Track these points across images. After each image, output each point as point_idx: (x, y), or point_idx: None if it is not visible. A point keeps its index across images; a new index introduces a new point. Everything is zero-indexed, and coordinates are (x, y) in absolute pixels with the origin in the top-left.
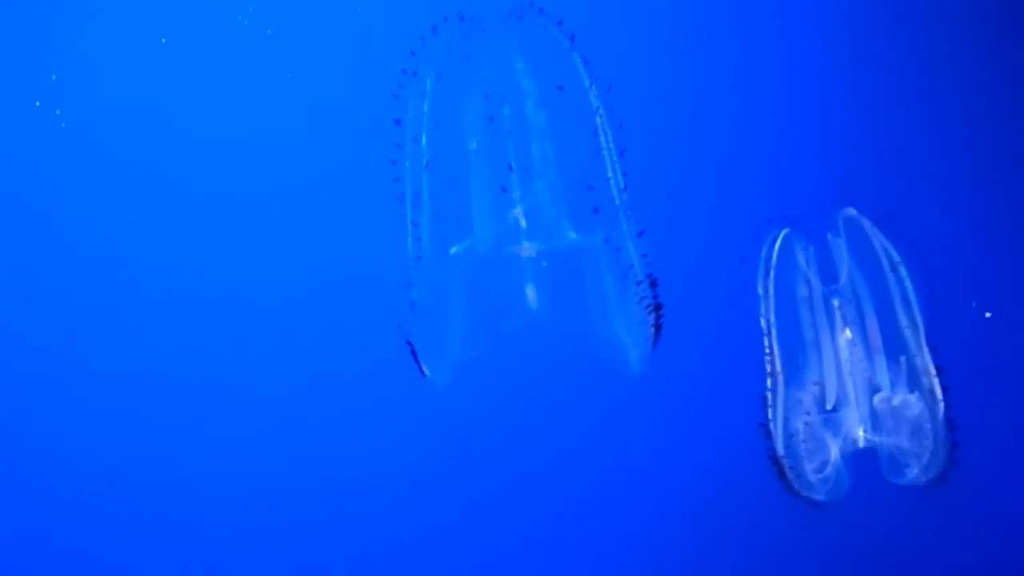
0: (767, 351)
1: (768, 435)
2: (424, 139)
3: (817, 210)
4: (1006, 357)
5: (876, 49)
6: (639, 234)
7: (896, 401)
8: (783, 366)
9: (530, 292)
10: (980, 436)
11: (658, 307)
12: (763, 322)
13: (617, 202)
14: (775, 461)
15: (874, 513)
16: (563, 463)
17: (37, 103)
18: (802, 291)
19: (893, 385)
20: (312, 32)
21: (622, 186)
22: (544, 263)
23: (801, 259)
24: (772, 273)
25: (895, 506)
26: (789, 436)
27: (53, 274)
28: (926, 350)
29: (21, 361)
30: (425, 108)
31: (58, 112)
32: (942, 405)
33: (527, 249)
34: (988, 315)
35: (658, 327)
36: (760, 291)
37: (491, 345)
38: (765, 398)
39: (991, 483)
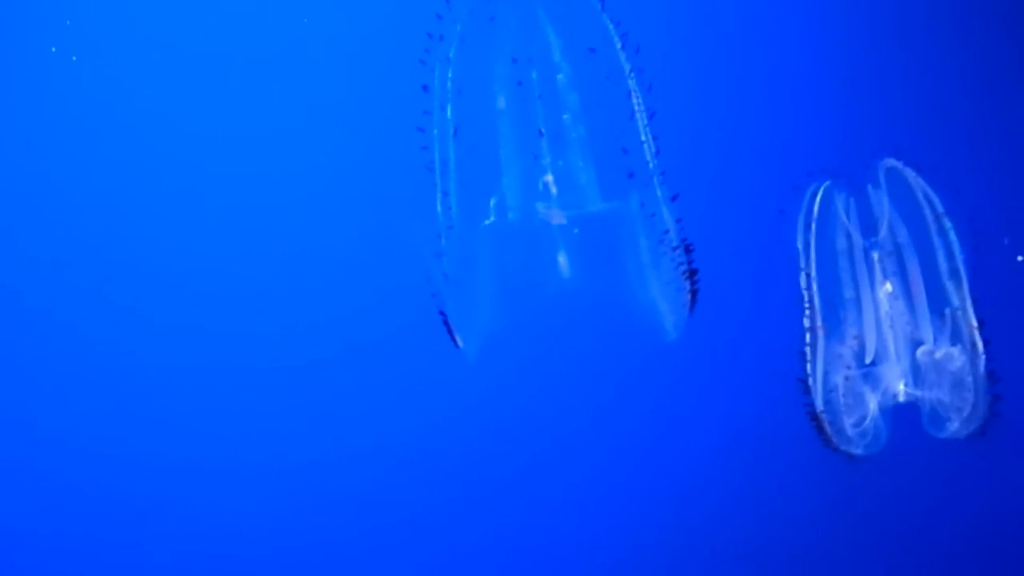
0: (806, 306)
1: (807, 390)
2: (450, 106)
3: (858, 161)
4: None
5: None
6: (673, 198)
7: (939, 354)
8: (823, 320)
9: (562, 260)
10: (1022, 389)
11: (693, 272)
12: (803, 277)
13: (651, 166)
14: (814, 416)
15: (913, 466)
16: (599, 430)
17: (53, 49)
18: (842, 244)
19: (936, 338)
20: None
21: (655, 150)
22: (576, 230)
23: (841, 211)
24: (813, 226)
25: (935, 459)
26: (828, 391)
27: (71, 239)
28: (969, 303)
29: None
30: (450, 74)
31: (75, 58)
32: (984, 358)
33: (558, 216)
34: (1021, 259)
35: (694, 292)
36: (800, 245)
37: (524, 314)
38: (804, 353)
39: None
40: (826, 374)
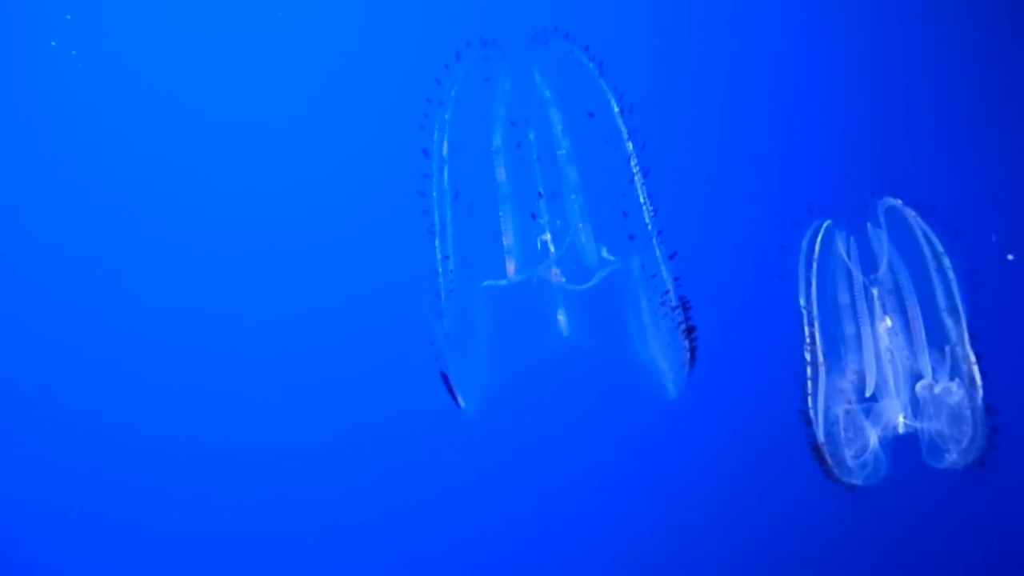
0: (808, 341)
1: (808, 422)
2: (446, 170)
3: (858, 200)
4: None
5: (916, 36)
6: (670, 256)
7: (938, 389)
8: (824, 356)
9: (561, 318)
10: (1019, 421)
11: (691, 329)
12: (804, 313)
13: (650, 228)
14: (815, 447)
15: (913, 496)
16: (599, 486)
17: (52, 43)
18: (842, 281)
19: (935, 373)
20: (339, 62)
21: (653, 210)
22: (574, 287)
23: (841, 249)
24: (814, 265)
25: (933, 489)
26: (830, 424)
27: (74, 230)
28: (967, 338)
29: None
30: (446, 138)
31: (74, 52)
32: (981, 392)
33: (556, 275)
34: (1010, 257)
35: (693, 349)
36: (802, 281)
37: (523, 371)
38: (805, 387)
39: None
40: (827, 407)
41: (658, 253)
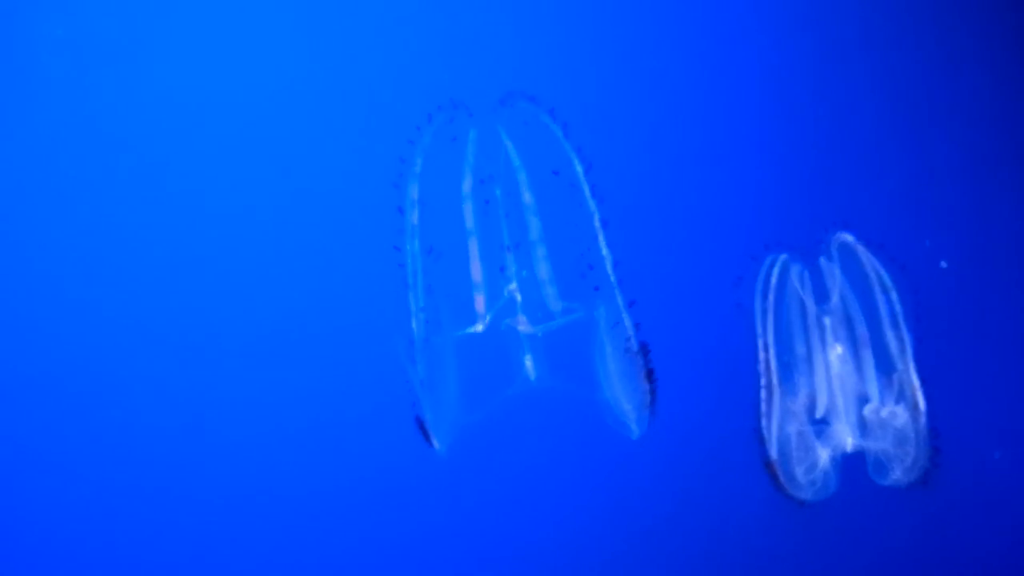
0: (763, 366)
1: (762, 441)
2: (419, 226)
3: (811, 235)
4: (986, 370)
5: (865, 76)
6: (630, 304)
7: (884, 413)
8: (779, 380)
9: (528, 363)
10: (959, 442)
11: (651, 372)
12: (759, 341)
13: (612, 279)
14: (768, 464)
15: (860, 511)
16: (565, 523)
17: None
18: (795, 310)
19: (881, 397)
20: (312, 122)
21: (613, 261)
22: (539, 334)
23: (795, 281)
24: (771, 295)
25: (879, 505)
26: (782, 443)
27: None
28: (912, 365)
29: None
30: (419, 195)
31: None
32: (925, 415)
33: (523, 322)
34: (944, 264)
35: (654, 392)
36: (758, 312)
37: (492, 413)
38: (759, 408)
39: (969, 485)
40: (780, 428)
41: (620, 302)
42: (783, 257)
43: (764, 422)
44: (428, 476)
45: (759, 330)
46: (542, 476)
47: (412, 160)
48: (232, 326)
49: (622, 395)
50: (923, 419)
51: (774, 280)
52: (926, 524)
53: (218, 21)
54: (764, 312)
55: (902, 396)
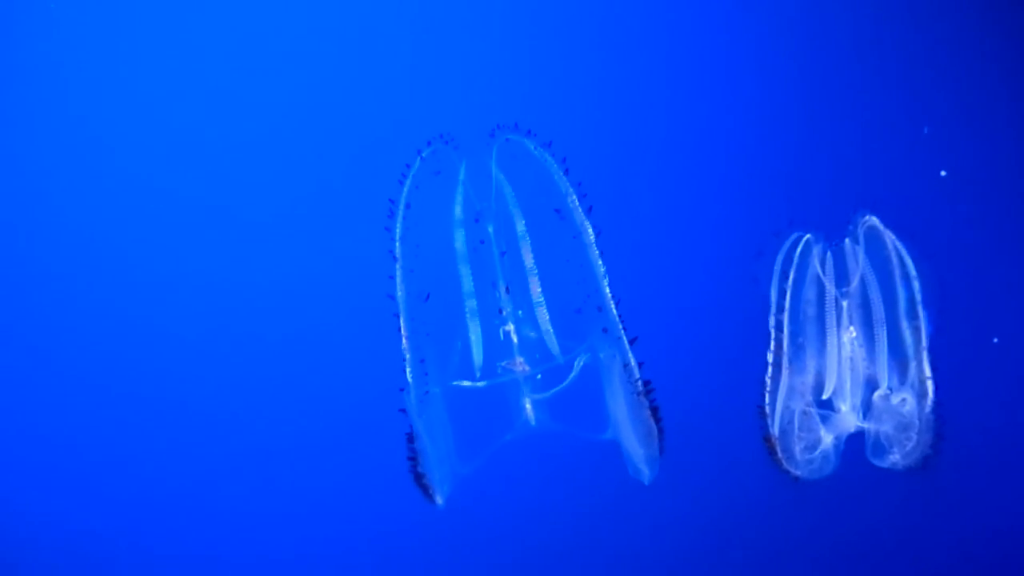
0: (775, 343)
1: (764, 415)
2: (412, 272)
3: (837, 216)
4: (1001, 363)
5: (896, 62)
6: (632, 341)
7: (894, 399)
8: (789, 359)
9: (528, 407)
10: (963, 432)
11: (655, 410)
12: (772, 320)
13: (618, 321)
14: (767, 439)
15: (858, 491)
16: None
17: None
18: (813, 291)
19: (891, 383)
20: (300, 166)
21: (617, 300)
22: (539, 376)
23: (816, 262)
24: (791, 275)
25: (878, 487)
26: (786, 421)
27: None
28: (925, 355)
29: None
30: (412, 238)
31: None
32: (932, 404)
33: (521, 364)
34: (943, 173)
35: (661, 431)
36: (775, 293)
37: (491, 460)
38: (765, 383)
39: (969, 473)
40: (785, 404)
41: (625, 343)
42: (807, 236)
43: (768, 398)
44: (429, 531)
45: (773, 308)
46: (544, 521)
47: (399, 201)
48: (220, 397)
49: (629, 435)
50: (930, 407)
51: (796, 259)
52: (922, 508)
53: (197, 59)
54: (782, 290)
55: (912, 384)
